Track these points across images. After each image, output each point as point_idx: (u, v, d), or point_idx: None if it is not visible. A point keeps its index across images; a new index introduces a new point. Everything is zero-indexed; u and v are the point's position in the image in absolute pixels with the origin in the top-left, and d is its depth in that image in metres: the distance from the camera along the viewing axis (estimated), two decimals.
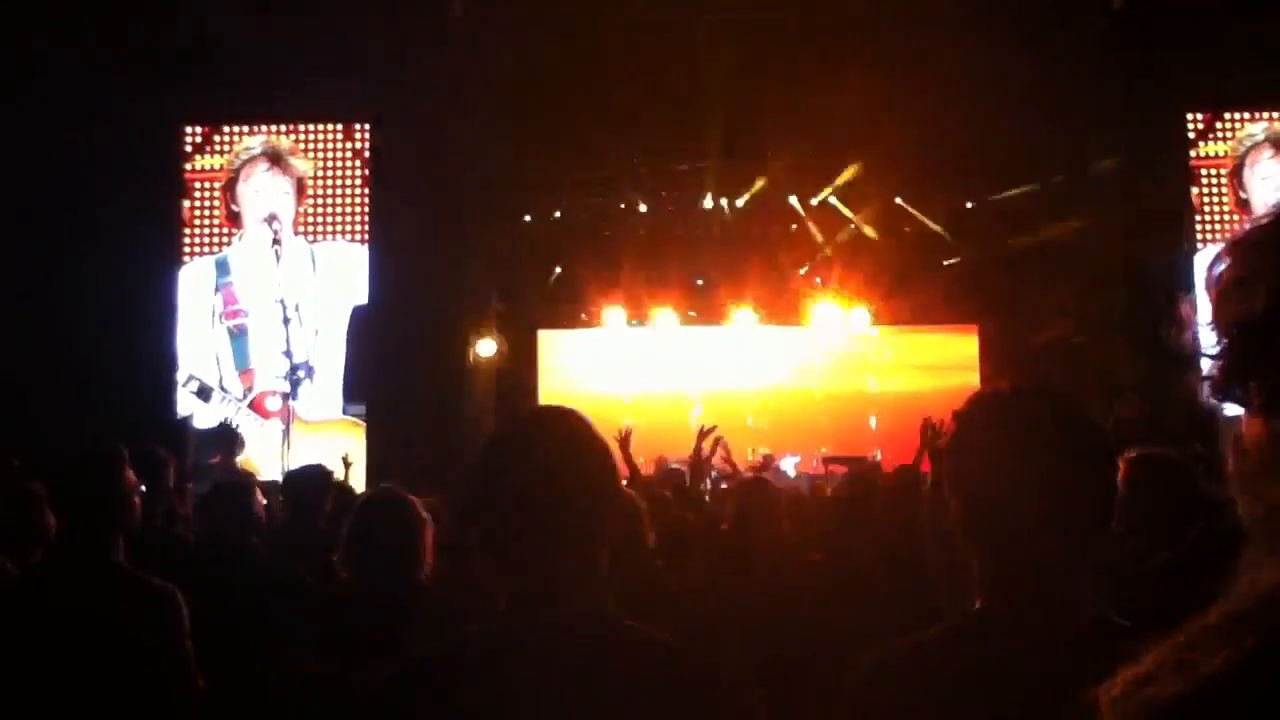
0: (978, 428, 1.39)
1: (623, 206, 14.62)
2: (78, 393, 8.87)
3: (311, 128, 11.28)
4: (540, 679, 1.34)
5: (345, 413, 10.46)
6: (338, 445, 8.81)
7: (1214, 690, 0.68)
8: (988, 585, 1.34)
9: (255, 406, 10.05)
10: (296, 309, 9.94)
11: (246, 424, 9.78)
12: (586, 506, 1.46)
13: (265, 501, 4.06)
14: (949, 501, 1.39)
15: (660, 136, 12.73)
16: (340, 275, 10.81)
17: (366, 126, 11.36)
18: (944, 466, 1.41)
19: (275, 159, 10.88)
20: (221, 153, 11.10)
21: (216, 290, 10.40)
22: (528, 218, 14.18)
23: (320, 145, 11.27)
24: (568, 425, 1.53)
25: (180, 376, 10.01)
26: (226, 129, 11.24)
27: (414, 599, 2.93)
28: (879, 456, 11.70)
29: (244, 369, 10.21)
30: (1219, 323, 0.76)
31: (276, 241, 9.95)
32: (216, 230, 10.82)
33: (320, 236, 10.90)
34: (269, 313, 9.93)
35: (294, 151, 11.02)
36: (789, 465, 12.76)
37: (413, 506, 3.12)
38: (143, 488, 2.90)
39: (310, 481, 4.48)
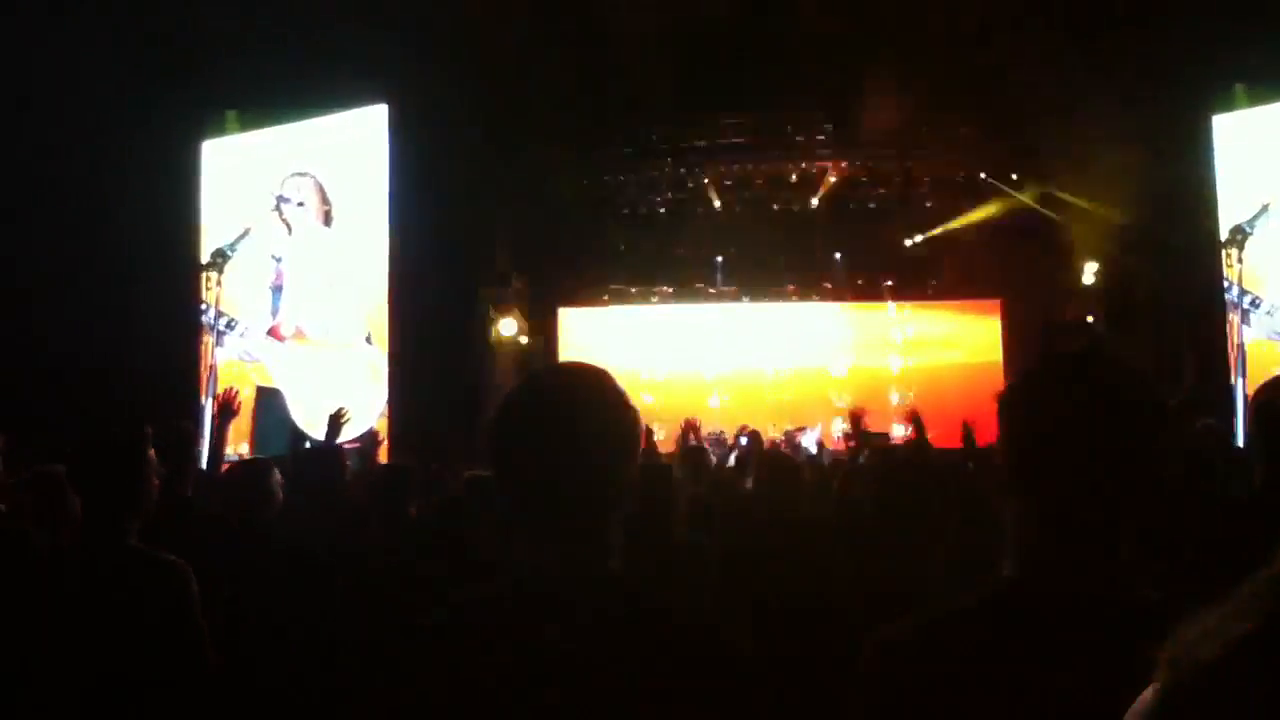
0: (1040, 383, 1.35)
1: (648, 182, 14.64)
2: (101, 381, 8.82)
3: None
4: (543, 644, 1.31)
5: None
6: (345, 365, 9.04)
7: (1242, 653, 0.72)
8: (1023, 551, 1.30)
9: (273, 332, 10.25)
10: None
11: (265, 347, 10.04)
12: (601, 467, 1.39)
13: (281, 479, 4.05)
14: (998, 455, 1.36)
15: (681, 112, 12.73)
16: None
17: (384, 108, 11.15)
18: (999, 419, 1.36)
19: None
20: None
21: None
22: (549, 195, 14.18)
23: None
24: (587, 383, 1.45)
25: (209, 317, 9.89)
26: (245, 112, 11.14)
27: None
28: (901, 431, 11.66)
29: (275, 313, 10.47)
30: None
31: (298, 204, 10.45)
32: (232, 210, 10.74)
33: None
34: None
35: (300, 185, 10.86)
36: (809, 440, 12.75)
37: None
38: (161, 465, 2.90)
39: (323, 462, 4.48)
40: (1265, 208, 10.56)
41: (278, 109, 11.11)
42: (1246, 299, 10.59)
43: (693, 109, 12.86)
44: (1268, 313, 10.72)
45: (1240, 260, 9.89)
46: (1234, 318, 10.48)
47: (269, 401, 9.75)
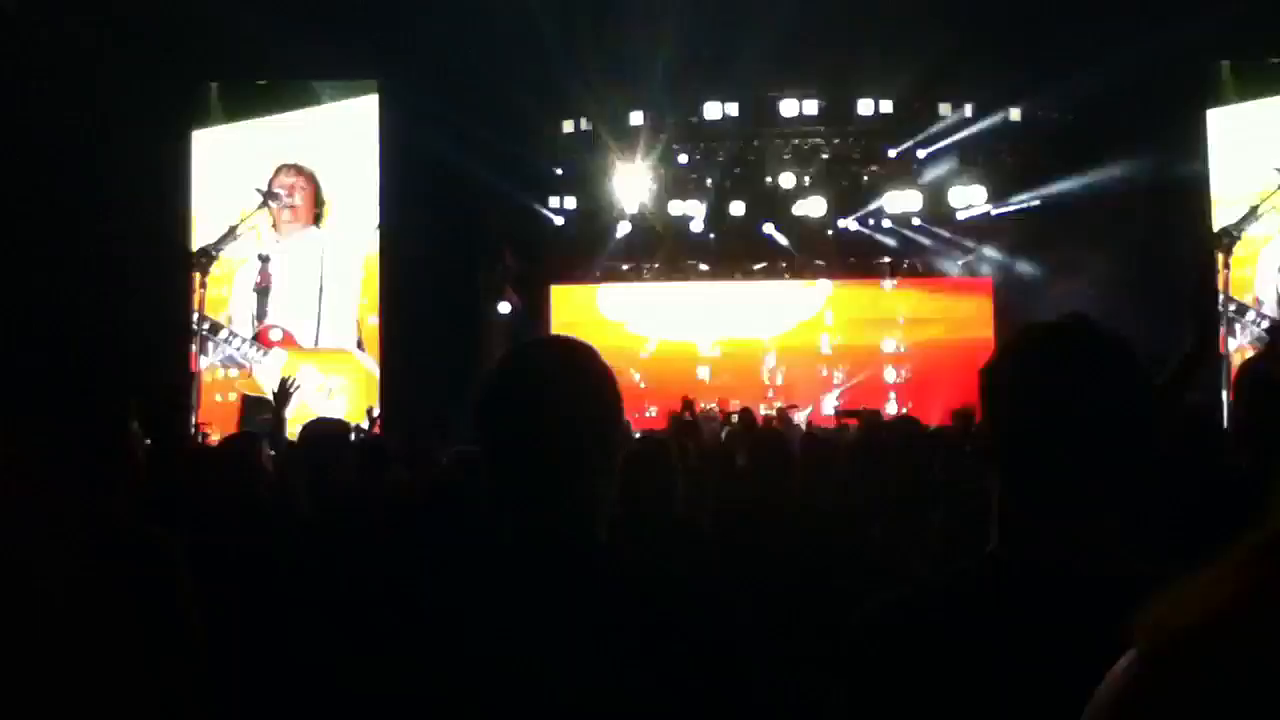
0: (1022, 353, 1.33)
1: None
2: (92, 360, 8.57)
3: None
4: (529, 612, 1.31)
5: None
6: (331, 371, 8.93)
7: (1223, 620, 0.72)
8: (1005, 524, 1.30)
9: (260, 338, 9.94)
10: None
11: (251, 354, 9.78)
12: (584, 435, 1.40)
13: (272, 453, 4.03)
14: (983, 427, 1.35)
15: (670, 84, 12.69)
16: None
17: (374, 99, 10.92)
18: (981, 389, 1.33)
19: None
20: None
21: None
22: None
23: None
24: (570, 354, 1.47)
25: (194, 321, 9.38)
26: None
27: None
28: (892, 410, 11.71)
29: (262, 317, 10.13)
30: None
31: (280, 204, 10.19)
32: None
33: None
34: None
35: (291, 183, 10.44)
36: (800, 418, 12.77)
37: None
38: (148, 439, 2.88)
39: (326, 438, 4.44)
40: (1254, 210, 10.20)
41: (265, 87, 10.79)
42: (1232, 306, 10.21)
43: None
44: (1254, 321, 10.54)
45: (1227, 265, 9.52)
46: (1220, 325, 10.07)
47: (257, 413, 9.04)
